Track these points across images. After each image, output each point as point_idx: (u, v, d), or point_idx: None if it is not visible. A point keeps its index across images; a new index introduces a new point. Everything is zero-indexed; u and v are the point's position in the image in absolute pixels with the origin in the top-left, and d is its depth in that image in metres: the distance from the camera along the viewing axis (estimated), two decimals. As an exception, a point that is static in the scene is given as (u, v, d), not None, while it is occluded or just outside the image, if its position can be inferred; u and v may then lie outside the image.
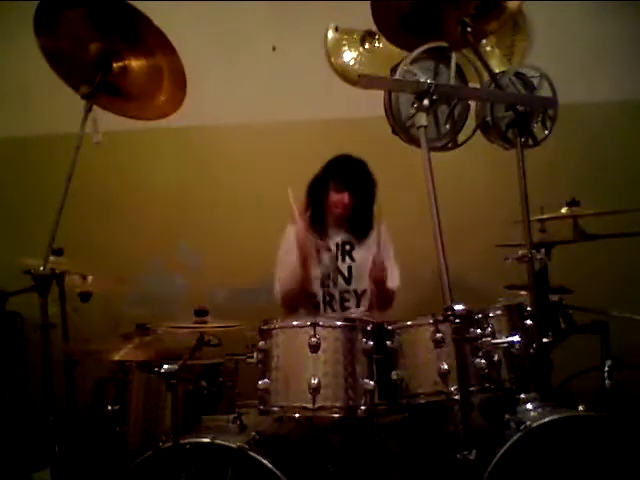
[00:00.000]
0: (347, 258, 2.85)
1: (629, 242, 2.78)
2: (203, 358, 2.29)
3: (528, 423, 1.86)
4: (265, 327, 2.02)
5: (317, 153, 3.14)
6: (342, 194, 2.77)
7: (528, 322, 2.05)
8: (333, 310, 2.80)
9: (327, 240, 2.85)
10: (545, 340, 2.10)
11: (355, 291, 2.82)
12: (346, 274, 2.83)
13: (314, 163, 2.99)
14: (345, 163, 2.80)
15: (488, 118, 2.16)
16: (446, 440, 2.18)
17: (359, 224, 2.84)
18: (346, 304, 2.81)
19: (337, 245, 2.85)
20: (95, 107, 2.15)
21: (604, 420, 1.88)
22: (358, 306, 2.82)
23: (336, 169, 2.81)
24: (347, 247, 2.86)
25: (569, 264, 2.77)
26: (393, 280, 2.82)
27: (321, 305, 2.79)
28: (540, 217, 2.53)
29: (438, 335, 1.94)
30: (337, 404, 1.92)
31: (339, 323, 2.01)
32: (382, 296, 2.80)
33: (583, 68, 3.47)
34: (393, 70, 2.01)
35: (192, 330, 2.10)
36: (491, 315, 2.06)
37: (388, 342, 2.02)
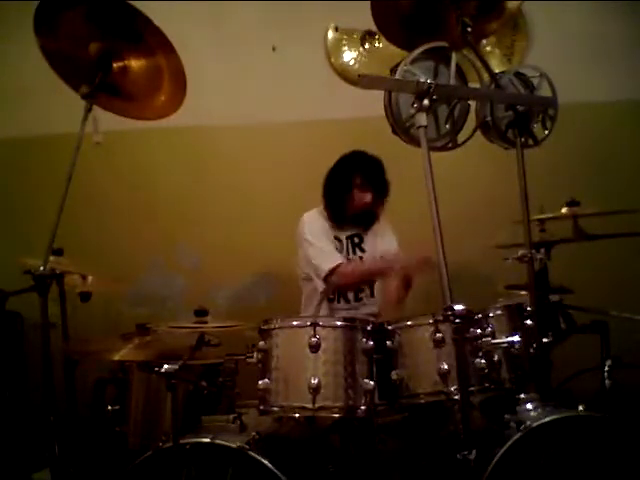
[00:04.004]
0: (357, 250, 2.89)
1: (629, 242, 2.78)
2: (203, 358, 2.29)
3: (528, 423, 1.86)
4: (265, 327, 2.02)
5: (316, 153, 3.15)
6: (366, 193, 2.81)
7: (528, 322, 2.04)
8: (347, 301, 2.83)
9: (340, 232, 2.88)
10: (545, 340, 2.10)
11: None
12: None
13: (313, 163, 3.00)
14: (371, 162, 2.83)
15: (488, 118, 2.15)
16: (446, 440, 2.18)
17: (367, 218, 2.88)
18: (360, 294, 2.85)
19: (347, 237, 2.89)
20: (95, 107, 2.15)
21: (604, 420, 1.88)
22: (372, 295, 2.87)
23: (363, 167, 2.82)
24: (356, 239, 2.90)
25: (569, 264, 2.77)
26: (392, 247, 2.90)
27: (335, 296, 2.82)
28: (540, 217, 2.53)
29: (438, 335, 1.94)
30: (337, 404, 1.92)
31: (339, 323, 2.01)
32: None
33: (583, 68, 3.46)
34: (393, 70, 2.01)
35: (192, 330, 2.11)
36: (491, 315, 2.06)
37: (388, 342, 2.02)
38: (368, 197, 2.81)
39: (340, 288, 2.78)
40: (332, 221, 2.87)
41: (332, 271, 2.69)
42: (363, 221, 2.89)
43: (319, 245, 2.78)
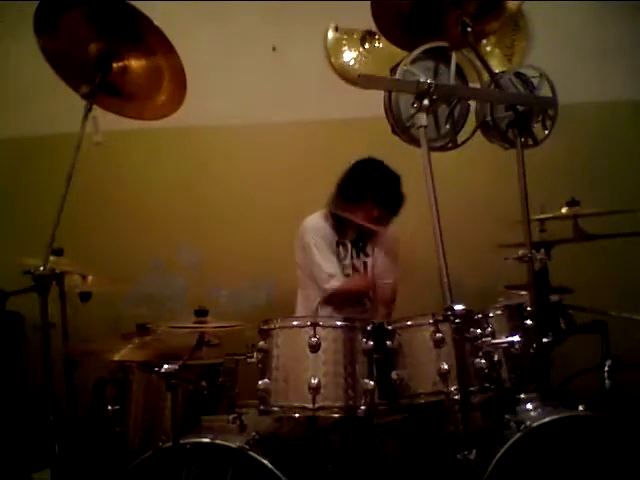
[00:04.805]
0: (361, 254, 2.88)
1: (629, 242, 2.78)
2: (203, 358, 2.29)
3: (528, 423, 1.87)
4: (265, 327, 2.02)
5: (317, 153, 3.15)
6: (374, 209, 2.76)
7: (528, 322, 2.05)
8: (351, 305, 2.82)
9: (344, 237, 2.87)
10: (545, 340, 2.10)
11: None
12: (362, 270, 2.87)
13: (314, 163, 3.00)
14: (387, 177, 2.77)
15: (488, 118, 2.16)
16: (446, 440, 2.18)
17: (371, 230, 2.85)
18: (363, 300, 2.85)
19: (351, 242, 2.88)
20: (95, 107, 2.15)
21: (604, 420, 1.88)
22: (371, 300, 2.85)
23: (379, 182, 2.76)
24: (360, 244, 2.89)
25: (569, 264, 2.77)
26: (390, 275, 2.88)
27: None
28: (540, 217, 2.54)
29: (438, 335, 1.94)
30: (337, 404, 1.92)
31: (339, 323, 2.01)
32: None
33: (583, 68, 3.46)
34: (393, 70, 2.01)
35: (192, 330, 2.10)
36: (491, 315, 2.06)
37: (388, 342, 2.02)
38: (376, 212, 2.76)
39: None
40: (335, 227, 2.85)
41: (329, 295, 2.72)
42: (367, 231, 2.86)
43: (322, 260, 2.76)
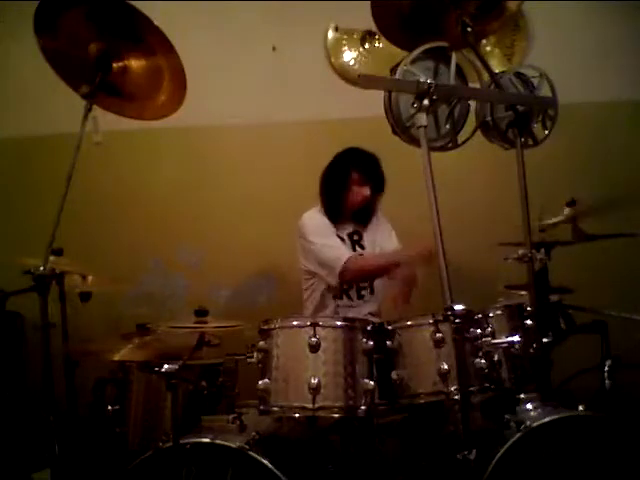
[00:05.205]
0: (357, 247, 2.90)
1: (629, 242, 2.78)
2: (203, 358, 2.29)
3: (528, 423, 1.86)
4: (265, 327, 2.02)
5: (317, 153, 3.14)
6: (364, 187, 2.82)
7: (528, 322, 2.05)
8: (350, 299, 2.83)
9: (340, 230, 2.89)
10: (545, 340, 2.10)
11: None
12: None
13: (314, 163, 2.99)
14: (366, 157, 2.84)
15: (488, 118, 2.16)
16: (446, 440, 2.18)
17: (365, 213, 2.91)
18: (362, 292, 2.86)
19: (348, 235, 2.90)
20: (95, 107, 2.15)
21: (604, 420, 1.88)
22: (372, 293, 2.87)
23: (359, 163, 2.84)
24: (356, 237, 2.91)
25: (569, 264, 2.77)
26: (393, 244, 2.94)
27: (338, 293, 2.83)
28: (542, 223, 2.53)
29: (438, 335, 1.94)
30: (337, 404, 1.92)
31: (339, 323, 2.01)
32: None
33: (583, 68, 3.46)
34: (393, 70, 2.01)
35: (192, 330, 2.10)
36: (491, 315, 2.06)
37: (388, 342, 2.02)
38: (367, 191, 2.82)
39: (346, 282, 2.78)
40: (330, 220, 2.87)
41: (345, 265, 2.70)
42: (361, 217, 2.91)
43: (326, 242, 2.78)
